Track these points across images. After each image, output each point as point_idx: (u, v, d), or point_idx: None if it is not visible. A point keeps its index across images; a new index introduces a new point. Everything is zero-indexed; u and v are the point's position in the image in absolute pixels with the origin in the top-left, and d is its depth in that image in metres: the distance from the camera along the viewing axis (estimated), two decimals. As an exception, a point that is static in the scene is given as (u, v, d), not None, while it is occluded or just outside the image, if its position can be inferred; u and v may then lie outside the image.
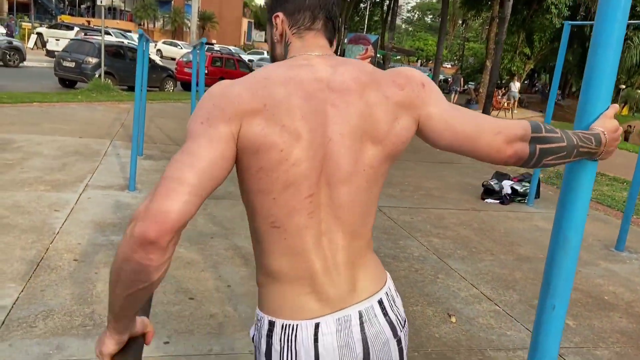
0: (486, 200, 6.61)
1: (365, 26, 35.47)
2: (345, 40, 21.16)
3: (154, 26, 51.38)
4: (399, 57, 40.56)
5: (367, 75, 1.10)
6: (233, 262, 3.91)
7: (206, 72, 18.16)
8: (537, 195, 6.91)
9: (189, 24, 43.92)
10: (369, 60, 19.56)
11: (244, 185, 1.09)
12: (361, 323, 1.11)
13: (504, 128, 1.17)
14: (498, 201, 6.58)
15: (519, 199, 6.69)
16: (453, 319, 3.37)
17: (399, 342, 1.16)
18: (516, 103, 22.86)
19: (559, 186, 8.27)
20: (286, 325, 1.09)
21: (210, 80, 18.89)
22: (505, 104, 21.62)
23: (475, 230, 5.37)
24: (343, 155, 1.07)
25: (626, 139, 22.43)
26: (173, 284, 3.43)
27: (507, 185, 6.67)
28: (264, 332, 1.12)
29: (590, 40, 1.36)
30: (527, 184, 6.73)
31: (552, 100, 6.44)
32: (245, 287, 3.52)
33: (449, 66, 57.89)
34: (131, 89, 14.95)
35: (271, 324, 1.11)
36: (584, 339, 3.32)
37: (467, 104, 24.49)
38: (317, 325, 1.09)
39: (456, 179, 7.89)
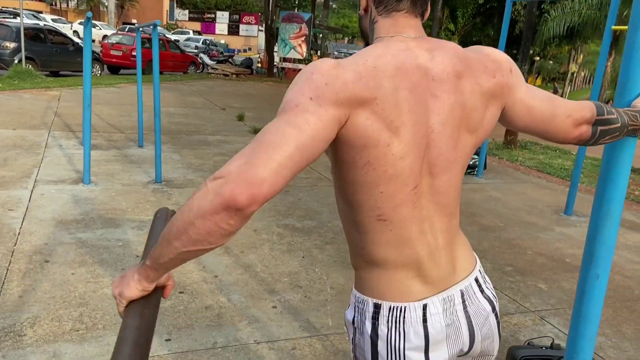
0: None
1: (297, 4, 35.12)
2: (279, 19, 20.83)
3: (68, 6, 48.19)
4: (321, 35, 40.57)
5: (463, 63, 1.10)
6: (214, 251, 3.83)
7: (134, 54, 17.49)
8: (485, 166, 7.24)
9: (106, 3, 41.51)
10: (303, 38, 19.45)
11: (348, 178, 1.06)
12: (463, 302, 1.14)
13: (574, 111, 1.22)
14: (451, 174, 6.82)
15: (469, 170, 6.97)
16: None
17: (496, 315, 1.20)
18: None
19: (501, 157, 8.71)
20: (393, 307, 1.10)
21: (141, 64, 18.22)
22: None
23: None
24: (444, 144, 1.08)
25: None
26: (158, 278, 3.31)
27: (458, 159, 6.91)
28: (369, 314, 1.12)
29: (630, 20, 1.43)
30: (476, 157, 7.02)
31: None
32: (232, 275, 3.46)
33: (375, 43, 58.64)
34: (54, 74, 14.09)
35: (377, 307, 1.11)
36: (559, 301, 3.56)
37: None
38: (424, 307, 1.10)
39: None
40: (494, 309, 1.19)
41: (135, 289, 0.98)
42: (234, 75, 20.03)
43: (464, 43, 36.04)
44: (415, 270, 1.11)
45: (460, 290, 1.15)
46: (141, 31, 6.75)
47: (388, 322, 1.10)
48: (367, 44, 1.21)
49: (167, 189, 5.20)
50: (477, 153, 7.09)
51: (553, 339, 2.60)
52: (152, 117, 5.52)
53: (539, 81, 41.78)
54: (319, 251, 3.99)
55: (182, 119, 9.40)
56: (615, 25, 4.98)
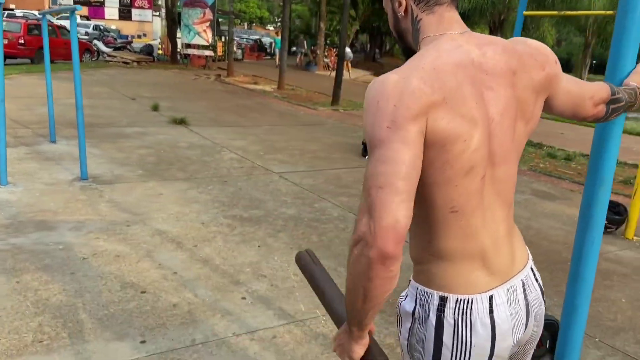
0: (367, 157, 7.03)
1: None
2: (179, 3, 20.03)
3: None
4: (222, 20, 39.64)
5: (515, 58, 1.14)
6: (165, 247, 3.68)
7: (22, 41, 16.01)
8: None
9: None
10: (207, 24, 18.90)
11: (421, 179, 1.05)
12: (524, 290, 1.20)
13: (596, 92, 1.33)
14: (378, 157, 7.05)
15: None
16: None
17: (544, 301, 1.28)
18: (349, 63, 24.12)
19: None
20: (460, 299, 1.13)
21: (28, 52, 16.70)
22: (348, 65, 22.72)
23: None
24: (504, 134, 1.13)
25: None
26: (114, 280, 3.13)
27: (383, 141, 7.16)
28: (433, 307, 1.15)
29: (619, 5, 1.57)
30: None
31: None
32: (192, 271, 3.35)
33: (272, 28, 58.29)
34: None
35: (443, 299, 1.14)
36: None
37: (307, 65, 25.16)
38: (490, 298, 1.14)
39: (332, 139, 8.22)
40: (543, 296, 1.27)
41: (359, 349, 1.15)
42: (135, 63, 19.03)
43: (364, 28, 37.00)
44: (480, 261, 1.14)
45: (522, 279, 1.20)
46: (45, 18, 6.19)
47: (455, 314, 1.13)
48: (407, 45, 1.22)
49: (96, 186, 4.88)
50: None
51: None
52: (56, 110, 5.12)
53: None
54: (273, 239, 3.97)
55: (90, 110, 8.75)
56: (526, 11, 5.36)
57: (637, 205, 4.63)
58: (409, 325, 1.20)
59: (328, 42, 29.33)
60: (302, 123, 9.48)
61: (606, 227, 4.70)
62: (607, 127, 1.60)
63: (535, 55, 1.19)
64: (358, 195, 5.23)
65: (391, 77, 1.03)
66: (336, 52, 24.62)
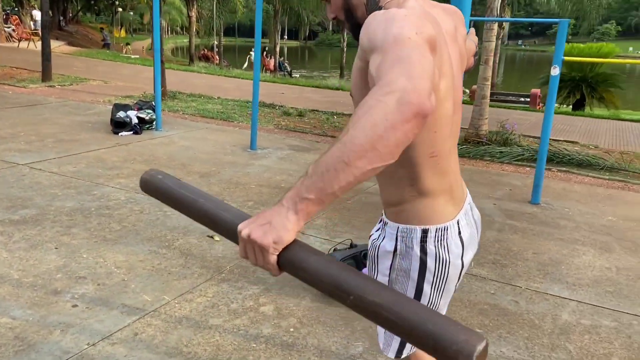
0: (120, 133, 6.55)
1: None
2: None
3: None
4: None
5: (452, 16, 1.36)
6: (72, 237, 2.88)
7: None
8: (157, 119, 7.30)
9: None
10: None
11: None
12: (472, 210, 1.46)
13: (472, 46, 1.68)
14: (131, 132, 6.64)
15: (147, 126, 6.92)
16: (216, 238, 3.67)
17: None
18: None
19: (170, 109, 8.80)
20: (439, 228, 1.33)
21: None
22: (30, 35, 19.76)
23: (148, 163, 5.43)
24: (460, 86, 1.35)
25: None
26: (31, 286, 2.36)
27: (133, 116, 6.75)
28: (417, 239, 1.32)
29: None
30: (150, 111, 6.99)
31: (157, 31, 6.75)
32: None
33: None
34: None
35: (424, 231, 1.32)
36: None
37: None
38: (458, 222, 1.36)
39: (67, 119, 7.31)
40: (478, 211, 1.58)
41: (294, 231, 0.90)
42: None
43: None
44: (449, 194, 1.35)
45: (468, 203, 1.46)
46: None
47: (435, 241, 1.32)
48: (356, 22, 1.29)
49: None
50: (147, 108, 7.05)
51: (351, 240, 3.22)
52: None
53: (123, 32, 41.82)
54: (69, 237, 3.50)
55: None
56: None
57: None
58: (389, 262, 1.37)
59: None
60: (17, 104, 8.12)
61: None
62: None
63: (458, 14, 1.43)
64: (134, 175, 4.92)
65: (409, 10, 1.10)
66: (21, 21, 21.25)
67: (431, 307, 1.38)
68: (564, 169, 6.18)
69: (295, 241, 0.92)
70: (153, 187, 1.12)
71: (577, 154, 6.54)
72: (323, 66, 36.21)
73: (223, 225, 1.00)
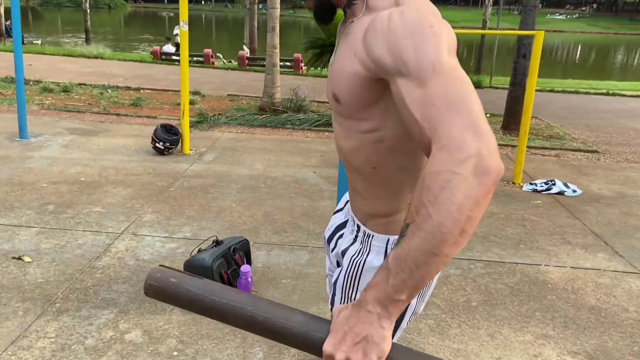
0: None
1: None
2: None
3: None
4: None
5: None
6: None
7: None
8: None
9: None
10: None
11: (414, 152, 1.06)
12: None
13: None
14: None
15: None
16: (27, 258, 2.92)
17: None
18: None
19: None
20: None
21: None
22: None
23: None
24: None
25: None
26: None
27: None
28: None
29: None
30: None
31: None
32: None
33: None
34: None
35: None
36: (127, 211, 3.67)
37: None
38: None
39: None
40: None
41: (391, 338, 0.80)
42: None
43: None
44: None
45: None
46: None
47: None
48: (326, 2, 1.09)
49: None
50: None
51: (216, 237, 2.87)
52: None
53: None
54: None
55: None
56: None
57: (186, 124, 5.18)
58: (356, 272, 1.20)
59: None
60: None
61: (168, 149, 5.09)
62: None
63: None
64: None
65: (425, 13, 0.93)
66: None
67: (416, 312, 1.28)
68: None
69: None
70: (167, 294, 0.87)
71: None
72: (54, 29, 31.74)
73: (292, 339, 0.83)
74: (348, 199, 1.47)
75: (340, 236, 1.36)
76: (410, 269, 0.76)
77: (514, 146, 6.23)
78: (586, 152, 6.35)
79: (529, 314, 2.72)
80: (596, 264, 3.34)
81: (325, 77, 13.09)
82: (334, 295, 1.30)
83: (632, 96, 11.75)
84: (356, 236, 1.25)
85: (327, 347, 0.79)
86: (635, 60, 35.31)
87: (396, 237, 1.16)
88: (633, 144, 6.97)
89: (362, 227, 1.23)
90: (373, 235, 1.20)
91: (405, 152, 1.08)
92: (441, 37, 0.88)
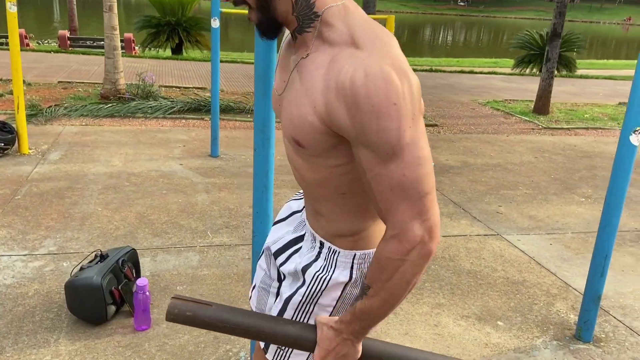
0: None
1: None
2: None
3: None
4: None
5: None
6: None
7: None
8: None
9: None
10: None
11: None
12: None
13: None
14: None
15: None
16: None
17: None
18: None
19: None
20: None
21: None
22: None
23: None
24: None
25: None
26: None
27: None
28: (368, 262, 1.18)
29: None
30: None
31: None
32: None
33: None
34: None
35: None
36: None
37: None
38: None
39: None
40: None
41: (360, 348, 1.10)
42: None
43: None
44: None
45: None
46: None
47: None
48: (271, 16, 1.02)
49: None
50: None
51: (100, 251, 2.53)
52: None
53: None
54: None
55: None
56: None
57: (22, 119, 4.50)
58: (337, 293, 1.17)
59: None
60: None
61: (2, 149, 4.42)
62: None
63: None
64: None
65: (389, 71, 0.90)
66: None
67: None
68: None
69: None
70: (187, 319, 1.09)
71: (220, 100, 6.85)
72: None
73: (289, 344, 1.12)
74: (294, 209, 1.40)
75: (296, 251, 1.29)
76: (372, 318, 1.03)
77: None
78: (428, 126, 6.96)
79: (421, 285, 2.92)
80: (462, 231, 3.70)
81: (165, 59, 12.45)
82: (283, 310, 1.23)
83: (452, 72, 13.12)
84: (319, 252, 1.20)
85: (317, 355, 1.08)
86: (440, 38, 39.44)
87: (362, 251, 1.15)
88: (463, 116, 7.81)
89: (326, 244, 1.18)
90: (339, 252, 1.16)
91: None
92: (405, 114, 0.89)
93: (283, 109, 1.08)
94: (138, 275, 2.66)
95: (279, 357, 1.24)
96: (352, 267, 1.15)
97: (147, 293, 2.33)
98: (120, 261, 2.47)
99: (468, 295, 2.85)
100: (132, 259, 2.60)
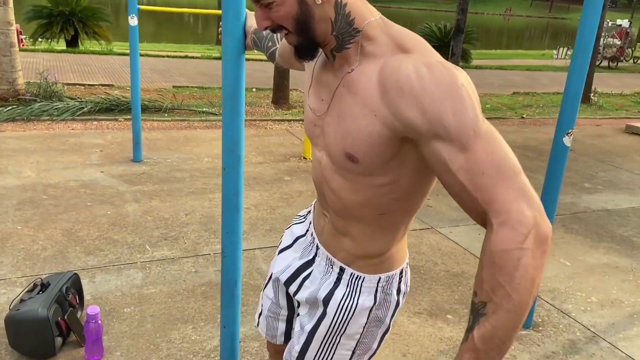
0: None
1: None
2: None
3: None
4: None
5: None
6: None
7: None
8: None
9: None
10: None
11: (427, 178, 1.05)
12: None
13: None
14: None
15: None
16: None
17: None
18: None
19: None
20: (407, 262, 1.24)
21: None
22: None
23: None
24: None
25: None
26: None
27: None
28: (395, 283, 1.19)
29: None
30: None
31: None
32: None
33: None
34: None
35: (402, 271, 1.20)
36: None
37: None
38: None
39: None
40: None
41: None
42: None
43: None
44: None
45: None
46: None
47: (405, 277, 1.23)
48: (310, 37, 1.01)
49: None
50: None
51: (41, 280, 2.30)
52: None
53: None
54: None
55: None
56: None
57: None
58: (364, 320, 1.19)
59: None
60: None
61: None
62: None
63: None
64: None
65: (445, 62, 0.92)
66: None
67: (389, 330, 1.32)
68: (129, 116, 6.08)
69: None
70: None
71: (126, 99, 6.50)
72: None
73: None
74: (298, 235, 1.38)
75: (307, 277, 1.27)
76: (498, 345, 0.82)
77: (290, 120, 6.56)
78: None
79: (370, 286, 2.99)
80: (398, 227, 3.83)
81: (61, 52, 11.47)
82: (308, 343, 1.23)
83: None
84: (338, 278, 1.20)
85: None
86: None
87: (386, 274, 1.17)
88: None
89: (348, 269, 1.18)
90: (364, 277, 1.17)
91: (413, 197, 1.08)
92: (472, 95, 0.89)
93: (328, 127, 1.06)
94: (82, 301, 2.48)
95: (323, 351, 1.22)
96: (376, 291, 1.16)
97: (100, 322, 2.18)
98: (63, 289, 2.28)
99: (417, 292, 2.97)
100: (75, 284, 2.41)
